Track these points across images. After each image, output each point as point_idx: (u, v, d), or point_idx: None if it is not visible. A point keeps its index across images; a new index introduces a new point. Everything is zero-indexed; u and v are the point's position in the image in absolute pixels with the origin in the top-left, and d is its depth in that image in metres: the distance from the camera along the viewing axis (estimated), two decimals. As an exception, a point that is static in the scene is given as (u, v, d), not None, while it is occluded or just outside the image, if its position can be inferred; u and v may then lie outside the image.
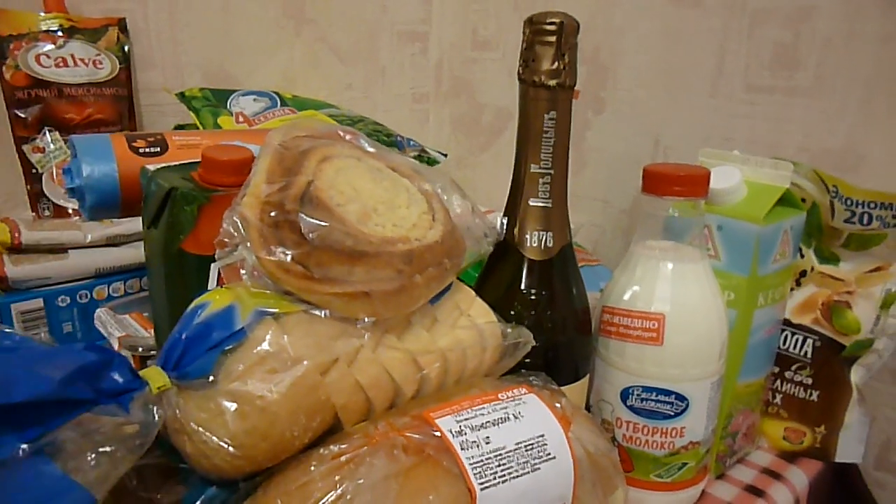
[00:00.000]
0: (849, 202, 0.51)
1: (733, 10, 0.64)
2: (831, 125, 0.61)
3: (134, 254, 0.59)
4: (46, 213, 0.63)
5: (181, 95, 0.67)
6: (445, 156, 0.74)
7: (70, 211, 0.63)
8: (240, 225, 0.33)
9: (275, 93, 0.71)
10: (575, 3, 0.76)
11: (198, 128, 0.65)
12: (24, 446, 0.26)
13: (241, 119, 0.66)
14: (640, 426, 0.46)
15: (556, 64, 0.41)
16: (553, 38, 0.41)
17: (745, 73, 0.65)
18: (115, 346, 0.49)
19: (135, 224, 0.59)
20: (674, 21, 0.68)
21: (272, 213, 0.32)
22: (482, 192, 0.75)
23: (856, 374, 0.53)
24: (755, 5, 0.63)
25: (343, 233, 0.32)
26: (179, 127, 0.69)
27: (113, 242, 0.58)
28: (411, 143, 0.71)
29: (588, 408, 0.48)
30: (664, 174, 0.45)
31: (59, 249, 0.57)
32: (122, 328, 0.51)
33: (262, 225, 0.32)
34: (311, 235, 0.32)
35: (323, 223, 0.32)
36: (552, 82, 0.41)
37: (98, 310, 0.53)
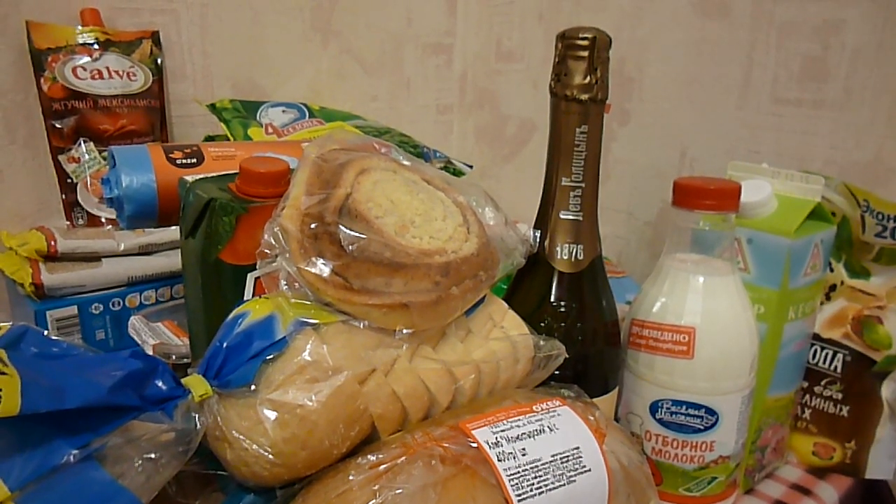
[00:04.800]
0: (880, 216, 0.50)
1: (761, 22, 0.64)
2: (860, 138, 0.60)
3: (165, 262, 0.60)
4: (80, 221, 0.64)
5: (212, 107, 0.68)
6: (471, 167, 0.74)
7: (103, 220, 0.64)
8: (280, 236, 0.33)
9: (303, 104, 0.72)
10: (601, 15, 0.77)
11: (227, 139, 0.66)
12: (75, 452, 0.27)
13: (270, 130, 0.67)
14: (669, 439, 0.46)
15: (588, 78, 0.41)
16: (585, 53, 0.41)
17: (773, 85, 0.64)
18: (150, 354, 0.50)
19: (166, 233, 0.59)
20: (700, 33, 0.69)
21: (312, 225, 0.33)
22: (506, 204, 0.75)
23: (887, 390, 0.52)
24: (783, 17, 0.63)
25: (381, 245, 0.33)
26: (209, 138, 0.70)
27: (145, 251, 0.59)
28: (437, 154, 0.72)
29: (617, 420, 0.48)
30: (694, 187, 0.45)
31: (93, 258, 0.58)
32: (156, 336, 0.51)
33: (303, 236, 0.33)
34: (350, 247, 0.33)
35: (362, 235, 0.33)
36: (584, 96, 0.41)
37: (132, 317, 0.54)
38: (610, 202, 0.77)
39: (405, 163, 0.39)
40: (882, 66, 0.58)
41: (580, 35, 0.41)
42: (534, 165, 0.45)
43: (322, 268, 0.32)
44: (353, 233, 0.33)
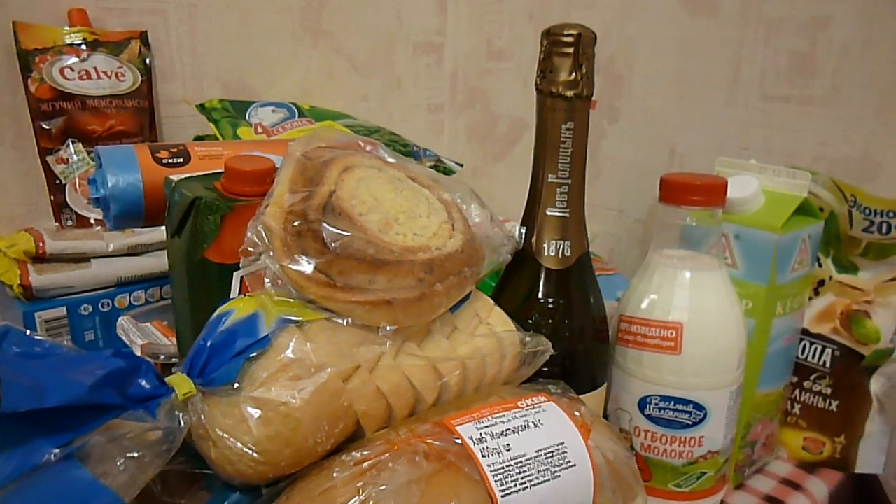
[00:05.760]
0: (867, 211, 0.51)
1: (749, 19, 0.64)
2: (848, 134, 0.61)
3: (154, 263, 0.59)
4: (69, 223, 0.64)
5: (201, 107, 0.68)
6: (461, 166, 0.74)
7: (92, 221, 0.64)
8: (263, 234, 0.33)
9: (293, 104, 0.72)
10: (590, 13, 0.77)
11: (217, 139, 0.66)
12: (56, 451, 0.27)
13: (259, 130, 0.67)
14: (658, 435, 0.46)
15: (574, 75, 0.41)
16: (570, 50, 0.41)
17: (761, 81, 0.65)
18: (138, 354, 0.50)
19: (156, 233, 0.59)
20: (689, 30, 0.69)
21: (295, 223, 0.33)
22: (497, 202, 0.75)
23: (876, 384, 0.52)
24: (771, 14, 0.63)
25: (365, 242, 0.33)
26: (199, 138, 0.70)
27: (134, 252, 0.59)
28: (427, 153, 0.72)
29: (605, 417, 0.48)
30: (681, 183, 0.45)
31: (81, 259, 0.57)
32: (144, 336, 0.51)
33: (286, 234, 0.33)
34: (333, 244, 0.32)
35: (345, 232, 0.33)
36: (570, 93, 0.41)
37: (120, 318, 0.53)
38: (600, 199, 0.78)
39: (390, 160, 0.39)
40: (869, 61, 0.59)
41: (565, 32, 0.41)
42: (525, 164, 0.45)
43: (305, 265, 0.32)
44: (336, 230, 0.33)
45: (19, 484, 0.26)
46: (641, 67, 0.73)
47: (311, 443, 0.31)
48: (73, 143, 0.63)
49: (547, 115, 0.43)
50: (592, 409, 0.39)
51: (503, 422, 0.33)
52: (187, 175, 0.43)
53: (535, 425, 0.34)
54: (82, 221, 0.64)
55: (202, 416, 0.31)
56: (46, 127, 0.62)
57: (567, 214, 0.43)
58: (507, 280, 0.46)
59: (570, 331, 0.44)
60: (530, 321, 0.43)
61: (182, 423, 0.31)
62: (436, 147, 0.77)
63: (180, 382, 0.31)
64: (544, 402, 0.36)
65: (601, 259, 0.73)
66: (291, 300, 0.33)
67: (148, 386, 0.30)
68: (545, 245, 0.44)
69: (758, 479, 0.53)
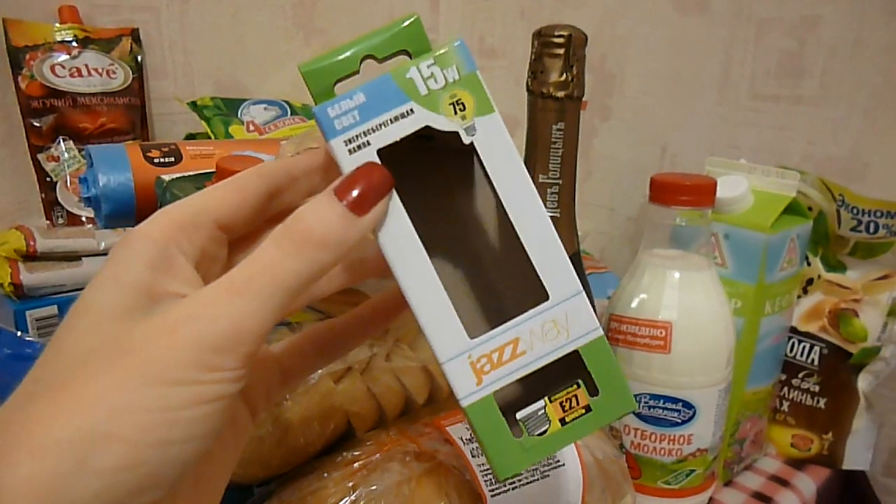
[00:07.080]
0: (855, 211, 0.51)
1: (739, 18, 0.65)
2: (837, 134, 0.61)
3: (146, 261, 0.59)
4: (60, 221, 0.64)
5: (193, 104, 0.68)
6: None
7: (83, 219, 0.64)
8: (255, 235, 0.33)
9: (285, 101, 0.72)
10: (582, 11, 0.77)
11: (209, 136, 0.66)
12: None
13: (251, 128, 0.67)
14: (647, 433, 0.46)
15: (565, 76, 0.42)
16: (561, 51, 0.41)
17: (751, 81, 0.65)
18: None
19: (147, 232, 0.59)
20: (680, 29, 0.69)
21: (286, 224, 0.33)
22: (490, 200, 0.76)
23: (863, 382, 0.53)
24: (761, 14, 0.63)
25: (356, 243, 0.33)
26: (191, 136, 0.70)
27: (126, 250, 0.59)
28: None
29: (596, 415, 0.49)
30: (671, 184, 0.45)
31: (73, 257, 0.57)
32: (136, 335, 0.51)
33: (277, 235, 0.33)
34: (324, 246, 0.33)
35: (336, 233, 0.33)
36: (560, 94, 0.42)
37: (112, 317, 0.53)
38: (592, 198, 0.78)
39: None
40: (858, 61, 0.59)
41: (556, 33, 0.41)
42: (516, 162, 0.45)
43: (296, 266, 0.32)
44: (327, 231, 0.33)
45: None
46: (633, 66, 0.74)
47: (301, 443, 0.32)
48: (63, 140, 0.63)
49: (538, 116, 0.43)
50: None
51: (493, 422, 0.33)
52: (179, 175, 0.43)
53: (525, 425, 0.34)
54: (73, 219, 0.64)
55: (194, 417, 0.31)
56: (37, 124, 0.62)
57: (557, 215, 0.44)
58: (499, 279, 0.46)
59: (560, 330, 0.44)
60: (521, 321, 0.43)
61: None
62: (428, 145, 0.77)
63: (172, 383, 0.31)
64: (534, 401, 0.36)
65: (592, 257, 0.73)
66: (283, 301, 0.33)
67: (139, 387, 0.30)
68: (536, 245, 0.44)
69: (746, 475, 0.54)
